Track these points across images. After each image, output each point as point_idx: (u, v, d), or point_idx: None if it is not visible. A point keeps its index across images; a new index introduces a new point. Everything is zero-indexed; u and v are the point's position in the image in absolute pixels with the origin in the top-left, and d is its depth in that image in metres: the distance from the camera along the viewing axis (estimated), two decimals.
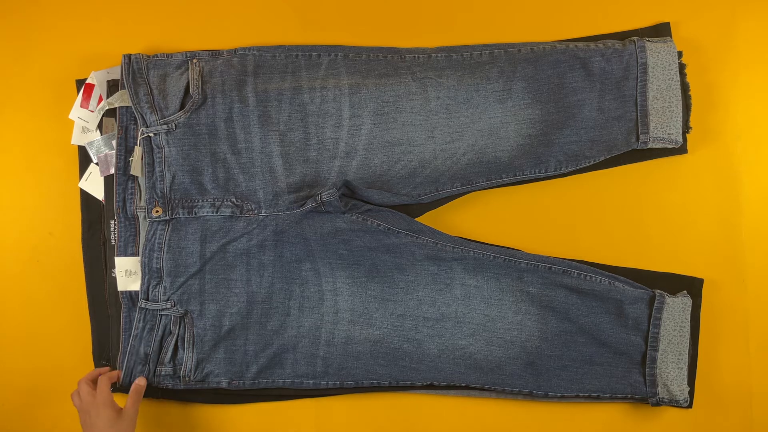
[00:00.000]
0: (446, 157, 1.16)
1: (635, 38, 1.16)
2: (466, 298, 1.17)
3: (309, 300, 1.17)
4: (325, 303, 1.17)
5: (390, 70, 1.17)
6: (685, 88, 1.17)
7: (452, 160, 1.16)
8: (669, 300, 1.14)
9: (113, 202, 1.18)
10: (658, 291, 1.15)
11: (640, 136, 1.15)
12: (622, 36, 1.19)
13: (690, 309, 1.15)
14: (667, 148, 1.16)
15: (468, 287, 1.17)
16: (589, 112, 1.16)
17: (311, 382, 1.17)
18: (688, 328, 1.14)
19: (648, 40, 1.16)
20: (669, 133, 1.15)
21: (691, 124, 1.17)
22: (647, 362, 1.14)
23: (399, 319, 1.16)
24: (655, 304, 1.14)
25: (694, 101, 1.17)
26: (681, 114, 1.15)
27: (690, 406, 1.15)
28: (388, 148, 1.16)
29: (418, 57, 1.18)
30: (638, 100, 1.15)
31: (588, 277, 1.15)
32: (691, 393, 1.15)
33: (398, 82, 1.16)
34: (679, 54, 1.17)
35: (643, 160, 1.18)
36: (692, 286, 1.17)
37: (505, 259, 1.16)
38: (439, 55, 1.18)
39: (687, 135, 1.17)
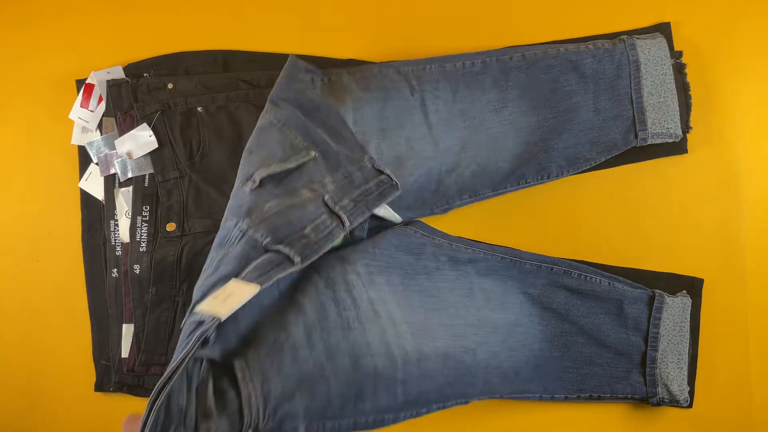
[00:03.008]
0: (451, 170, 1.15)
1: (624, 36, 1.16)
2: (487, 301, 1.14)
3: (363, 310, 1.06)
4: (380, 313, 1.06)
5: (388, 84, 1.15)
6: (685, 88, 1.16)
7: (457, 172, 1.15)
8: (669, 300, 1.14)
9: None
10: (658, 291, 1.14)
11: (639, 133, 1.14)
12: (612, 35, 1.18)
13: (690, 309, 1.14)
14: (667, 146, 1.16)
15: (486, 291, 1.15)
16: (586, 114, 1.15)
17: (391, 416, 1.03)
18: (688, 328, 1.14)
19: (637, 37, 1.15)
20: (667, 128, 1.14)
21: (691, 124, 1.16)
22: (647, 362, 1.13)
23: (450, 328, 1.10)
24: (655, 304, 1.14)
25: (694, 101, 1.16)
26: (678, 107, 1.15)
27: (690, 406, 1.14)
28: (398, 162, 1.13)
29: (413, 69, 1.16)
30: (633, 97, 1.14)
31: (588, 278, 1.15)
32: (691, 393, 1.14)
33: (398, 96, 1.15)
34: (679, 54, 1.17)
35: (644, 159, 1.18)
36: (692, 286, 1.16)
37: (512, 260, 1.16)
38: (433, 66, 1.16)
39: (687, 135, 1.17)
